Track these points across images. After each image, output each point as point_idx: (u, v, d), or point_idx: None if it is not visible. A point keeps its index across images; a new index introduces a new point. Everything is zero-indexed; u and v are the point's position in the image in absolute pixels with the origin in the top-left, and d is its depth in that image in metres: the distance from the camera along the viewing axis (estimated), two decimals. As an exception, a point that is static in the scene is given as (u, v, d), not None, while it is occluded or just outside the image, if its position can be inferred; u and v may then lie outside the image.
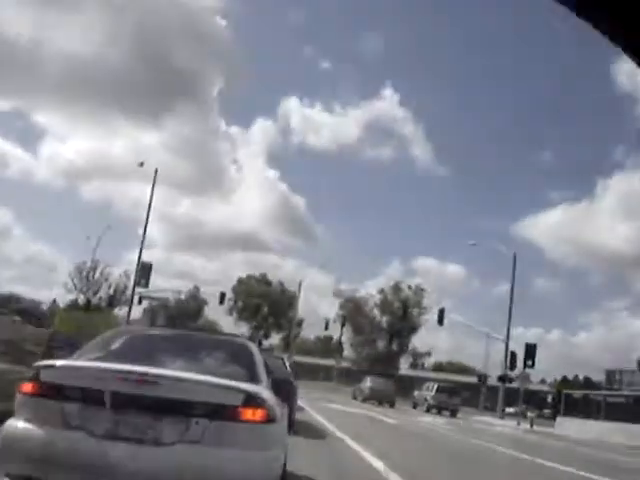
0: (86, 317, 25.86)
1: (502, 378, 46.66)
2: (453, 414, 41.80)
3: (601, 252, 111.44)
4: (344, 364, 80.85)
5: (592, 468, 14.44)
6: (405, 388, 75.72)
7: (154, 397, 4.70)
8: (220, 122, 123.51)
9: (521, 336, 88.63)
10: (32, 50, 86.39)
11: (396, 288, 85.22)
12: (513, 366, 46.17)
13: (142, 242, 45.48)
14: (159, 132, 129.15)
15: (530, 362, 42.83)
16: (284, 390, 6.17)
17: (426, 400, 43.71)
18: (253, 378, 5.38)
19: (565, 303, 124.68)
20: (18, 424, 4.83)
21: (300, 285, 75.74)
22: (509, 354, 46.24)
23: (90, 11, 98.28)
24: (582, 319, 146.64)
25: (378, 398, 43.39)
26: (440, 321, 51.96)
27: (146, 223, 45.76)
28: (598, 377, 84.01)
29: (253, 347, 6.47)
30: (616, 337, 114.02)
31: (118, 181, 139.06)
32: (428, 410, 42.14)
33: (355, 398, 45.57)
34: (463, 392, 49.45)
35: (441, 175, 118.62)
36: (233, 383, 4.96)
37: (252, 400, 4.87)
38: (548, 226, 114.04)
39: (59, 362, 5.15)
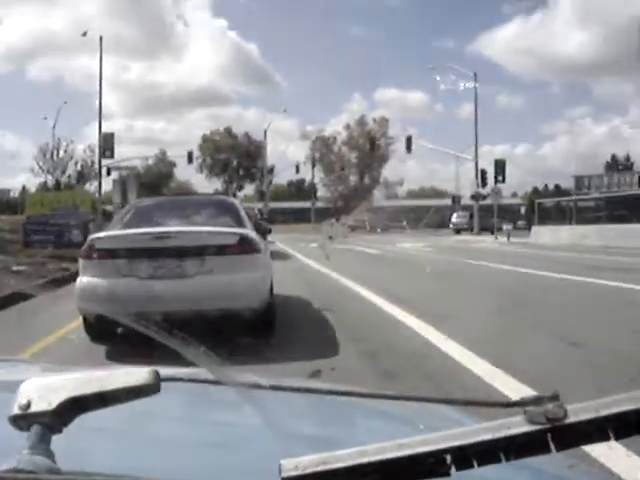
0: (56, 197, 25.45)
1: (475, 196, 47.67)
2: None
3: (559, 62, 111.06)
4: (320, 204, 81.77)
5: (578, 270, 14.82)
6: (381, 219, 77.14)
7: (176, 246, 6.60)
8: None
9: (489, 154, 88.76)
10: None
11: (361, 122, 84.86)
12: (484, 183, 47.00)
13: (100, 113, 44.29)
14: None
15: (501, 177, 43.67)
16: (262, 230, 8.11)
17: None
18: (241, 224, 7.34)
19: (528, 117, 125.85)
20: (85, 279, 6.65)
21: (265, 133, 75.16)
22: (479, 172, 46.97)
23: None
24: (546, 130, 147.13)
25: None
26: (408, 148, 52.16)
27: (100, 93, 44.28)
28: (567, 184, 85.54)
29: (236, 202, 8.82)
30: (581, 144, 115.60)
31: (65, 56, 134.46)
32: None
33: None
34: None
35: (395, 4, 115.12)
36: (229, 229, 7.04)
37: (243, 239, 6.87)
38: (504, 41, 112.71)
39: (104, 234, 7.18)
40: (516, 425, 0.67)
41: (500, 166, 43.79)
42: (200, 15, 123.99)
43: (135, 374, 0.71)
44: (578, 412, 0.67)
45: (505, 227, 42.34)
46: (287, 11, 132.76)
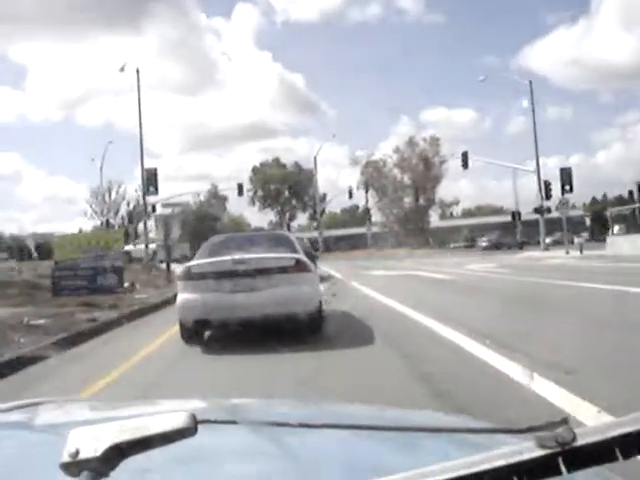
0: (84, 239, 23.38)
1: (539, 209, 44.88)
2: None
3: (605, 68, 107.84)
4: (375, 229, 79.91)
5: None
6: (438, 239, 74.74)
7: (250, 268, 8.60)
8: (200, 16, 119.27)
9: (542, 166, 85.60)
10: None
11: (411, 143, 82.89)
12: (548, 196, 44.15)
13: (141, 149, 42.97)
14: (142, 39, 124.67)
15: (568, 187, 40.77)
16: (311, 257, 10.00)
17: None
18: (295, 251, 9.34)
19: (579, 127, 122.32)
20: (184, 295, 8.81)
21: (315, 161, 73.81)
22: (542, 183, 44.12)
23: None
24: (598, 139, 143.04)
25: None
26: (465, 164, 49.63)
27: (140, 126, 42.87)
28: (627, 191, 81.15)
29: (290, 234, 11.88)
30: (636, 150, 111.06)
31: (114, 99, 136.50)
32: None
33: None
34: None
35: (434, 23, 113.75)
36: (287, 254, 9.06)
37: (298, 261, 8.87)
38: (548, 52, 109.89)
39: (196, 262, 9.15)
40: (528, 450, 0.69)
41: (566, 175, 40.87)
42: (243, 49, 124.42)
43: (173, 418, 0.75)
44: (586, 435, 0.69)
45: (577, 240, 39.75)
46: (328, 38, 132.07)
